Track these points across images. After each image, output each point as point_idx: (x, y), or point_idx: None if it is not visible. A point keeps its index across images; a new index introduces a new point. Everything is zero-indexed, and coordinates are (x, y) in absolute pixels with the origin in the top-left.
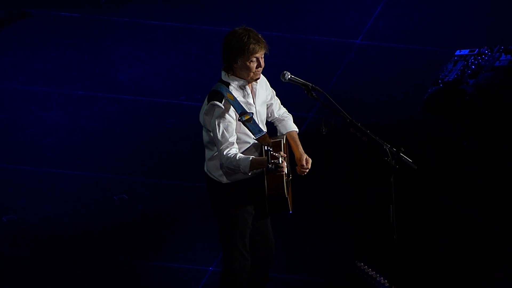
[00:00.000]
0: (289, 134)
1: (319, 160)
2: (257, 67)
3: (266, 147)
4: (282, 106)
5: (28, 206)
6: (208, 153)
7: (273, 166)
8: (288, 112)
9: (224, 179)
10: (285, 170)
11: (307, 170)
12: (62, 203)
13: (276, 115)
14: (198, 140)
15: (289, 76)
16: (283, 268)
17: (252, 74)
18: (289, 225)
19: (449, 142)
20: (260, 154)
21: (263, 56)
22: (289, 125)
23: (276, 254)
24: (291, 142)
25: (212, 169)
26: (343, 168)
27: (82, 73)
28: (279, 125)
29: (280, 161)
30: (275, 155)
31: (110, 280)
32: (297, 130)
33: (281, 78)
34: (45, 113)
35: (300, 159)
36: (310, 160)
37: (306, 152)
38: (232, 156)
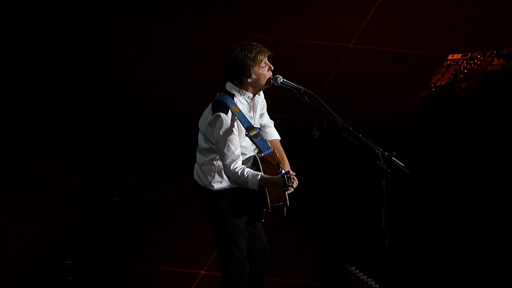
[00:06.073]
0: (273, 142)
1: (310, 164)
2: (268, 70)
3: (282, 170)
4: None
5: (22, 207)
6: (201, 158)
7: (289, 188)
8: (281, 115)
9: (213, 186)
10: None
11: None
12: (53, 206)
13: (262, 123)
14: (191, 143)
15: (281, 80)
16: (275, 272)
17: (267, 78)
18: (281, 228)
19: (441, 146)
20: (254, 164)
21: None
22: (272, 132)
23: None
24: (276, 152)
25: (203, 175)
26: (335, 172)
27: (76, 76)
28: (263, 132)
29: (294, 181)
30: (290, 178)
31: (101, 283)
32: (279, 138)
33: (273, 82)
34: (38, 115)
35: None
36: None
37: (298, 155)
38: (239, 171)
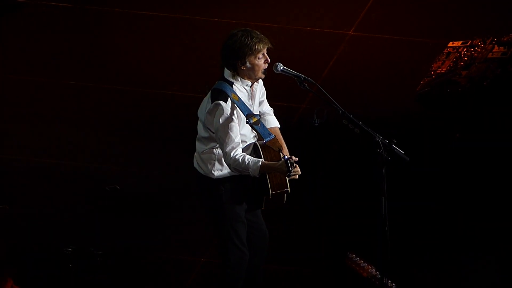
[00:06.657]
0: (273, 130)
1: (310, 151)
2: (264, 63)
3: (285, 156)
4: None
5: (19, 196)
6: (200, 147)
7: (292, 174)
8: (281, 103)
9: (214, 174)
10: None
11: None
12: (53, 194)
13: (262, 110)
14: (189, 131)
15: (282, 68)
16: (274, 259)
17: (261, 70)
18: (280, 216)
19: (441, 133)
20: (255, 151)
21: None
22: (272, 120)
23: (269, 245)
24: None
25: (203, 163)
26: (335, 159)
27: (75, 64)
28: (262, 119)
29: (296, 167)
30: (293, 164)
31: (101, 270)
32: (279, 125)
33: (274, 69)
34: (38, 103)
35: None
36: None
37: (298, 143)
38: (239, 158)
